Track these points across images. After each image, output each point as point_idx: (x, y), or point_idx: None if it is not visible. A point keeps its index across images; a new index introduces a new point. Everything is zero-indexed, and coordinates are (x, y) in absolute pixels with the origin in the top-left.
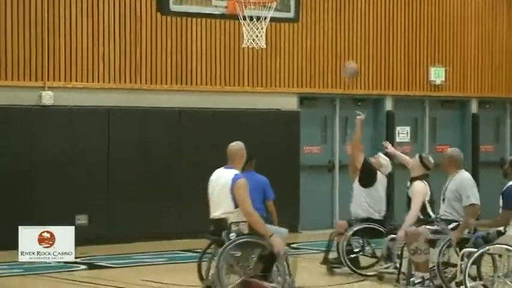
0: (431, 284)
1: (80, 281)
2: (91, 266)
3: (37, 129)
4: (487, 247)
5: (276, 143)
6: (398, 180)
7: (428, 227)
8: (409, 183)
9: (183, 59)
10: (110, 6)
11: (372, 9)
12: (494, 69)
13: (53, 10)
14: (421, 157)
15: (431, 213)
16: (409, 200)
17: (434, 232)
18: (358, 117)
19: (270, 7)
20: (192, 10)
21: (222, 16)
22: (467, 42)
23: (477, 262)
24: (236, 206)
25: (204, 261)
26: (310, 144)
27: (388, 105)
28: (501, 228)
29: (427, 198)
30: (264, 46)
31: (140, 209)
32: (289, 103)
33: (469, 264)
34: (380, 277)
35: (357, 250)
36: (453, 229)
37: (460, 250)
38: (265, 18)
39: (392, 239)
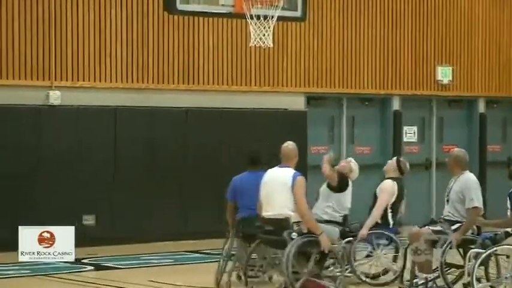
0: (434, 285)
1: (87, 282)
2: (98, 267)
3: (44, 128)
4: (495, 248)
5: (283, 142)
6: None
7: (431, 227)
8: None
9: (190, 58)
10: (117, 6)
11: (379, 8)
12: (502, 69)
13: (60, 10)
14: (398, 160)
15: (390, 221)
16: (375, 201)
17: (437, 233)
18: (324, 156)
19: (277, 6)
20: (199, 9)
21: (229, 15)
22: (474, 42)
23: (485, 263)
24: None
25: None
26: (318, 144)
27: (396, 105)
28: (509, 229)
29: (393, 199)
30: (271, 45)
31: (145, 208)
32: (297, 103)
33: (476, 266)
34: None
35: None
36: (456, 230)
37: (463, 251)
38: (272, 17)
39: (348, 242)
